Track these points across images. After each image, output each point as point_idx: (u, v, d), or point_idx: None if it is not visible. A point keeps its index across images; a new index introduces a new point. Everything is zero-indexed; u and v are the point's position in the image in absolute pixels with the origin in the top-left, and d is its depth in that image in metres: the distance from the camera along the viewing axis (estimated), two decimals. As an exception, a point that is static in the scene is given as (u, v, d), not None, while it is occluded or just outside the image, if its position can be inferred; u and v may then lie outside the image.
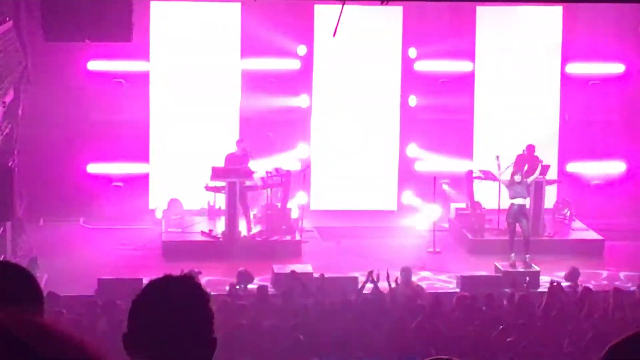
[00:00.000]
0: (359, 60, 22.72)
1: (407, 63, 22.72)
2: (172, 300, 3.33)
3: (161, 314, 3.29)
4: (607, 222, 21.52)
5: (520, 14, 22.77)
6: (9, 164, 16.72)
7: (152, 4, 21.71)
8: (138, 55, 21.51)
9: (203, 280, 15.67)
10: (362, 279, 16.39)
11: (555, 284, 16.03)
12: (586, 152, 22.90)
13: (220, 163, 20.62)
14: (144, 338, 3.28)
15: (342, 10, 16.50)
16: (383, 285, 15.77)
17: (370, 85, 22.88)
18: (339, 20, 16.75)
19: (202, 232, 20.76)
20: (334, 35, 17.21)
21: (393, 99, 23.02)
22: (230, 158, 20.83)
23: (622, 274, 19.27)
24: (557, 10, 22.55)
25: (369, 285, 15.61)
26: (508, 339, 12.44)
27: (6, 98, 17.90)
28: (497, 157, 20.21)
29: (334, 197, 22.85)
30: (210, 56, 22.28)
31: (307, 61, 22.59)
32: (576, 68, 22.91)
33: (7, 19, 18.04)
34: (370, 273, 15.76)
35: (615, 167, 23.21)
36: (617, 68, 22.91)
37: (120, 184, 21.98)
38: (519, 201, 19.71)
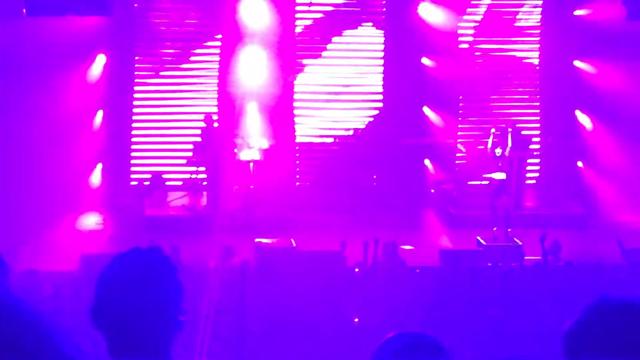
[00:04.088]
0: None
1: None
2: (136, 272, 3.26)
3: (125, 286, 3.23)
4: (589, 195, 21.50)
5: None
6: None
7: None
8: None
9: (184, 255, 15.61)
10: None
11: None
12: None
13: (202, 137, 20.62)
14: (108, 311, 3.24)
15: None
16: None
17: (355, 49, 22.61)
18: None
19: (184, 207, 20.70)
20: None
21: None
22: (207, 132, 20.81)
23: (605, 248, 19.23)
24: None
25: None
26: (489, 314, 12.49)
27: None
28: (495, 128, 20.31)
29: (318, 167, 22.73)
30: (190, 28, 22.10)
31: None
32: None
33: None
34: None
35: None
36: None
37: None
38: (500, 175, 19.76)
